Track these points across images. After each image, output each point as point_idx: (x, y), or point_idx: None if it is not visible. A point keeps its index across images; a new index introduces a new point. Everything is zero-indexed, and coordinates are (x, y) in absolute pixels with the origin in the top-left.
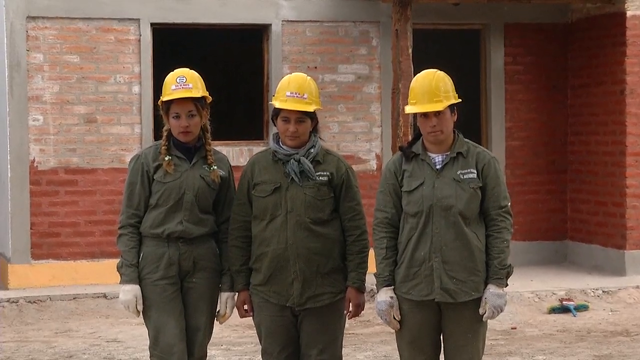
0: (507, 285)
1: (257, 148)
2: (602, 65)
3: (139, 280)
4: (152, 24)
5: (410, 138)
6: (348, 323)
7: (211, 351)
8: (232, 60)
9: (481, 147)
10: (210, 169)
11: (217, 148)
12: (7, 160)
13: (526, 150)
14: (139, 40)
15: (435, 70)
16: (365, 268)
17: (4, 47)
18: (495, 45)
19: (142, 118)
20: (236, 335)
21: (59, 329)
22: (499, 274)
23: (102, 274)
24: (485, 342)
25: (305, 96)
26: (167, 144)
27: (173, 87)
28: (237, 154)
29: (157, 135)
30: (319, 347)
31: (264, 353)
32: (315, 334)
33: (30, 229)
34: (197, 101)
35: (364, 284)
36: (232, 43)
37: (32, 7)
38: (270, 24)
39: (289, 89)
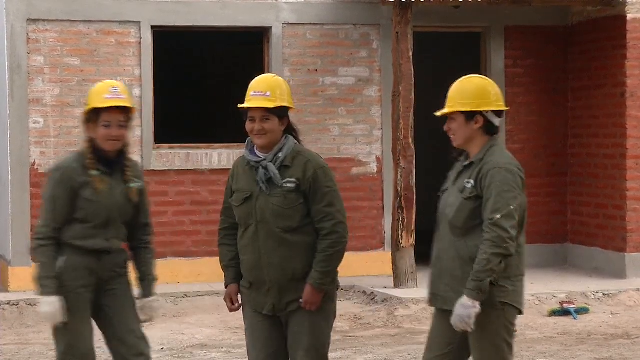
0: (479, 298)
1: None
2: (603, 68)
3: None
4: (152, 27)
5: (410, 141)
6: (348, 326)
7: (211, 354)
8: (233, 62)
9: (499, 156)
10: (129, 186)
11: (217, 151)
12: (8, 163)
13: (526, 153)
14: (140, 43)
15: (469, 76)
16: (327, 267)
17: (5, 50)
18: (496, 48)
19: (143, 121)
20: (236, 338)
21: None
22: (469, 285)
23: None
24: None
25: (267, 94)
26: (92, 156)
27: (107, 95)
28: (237, 156)
29: (157, 138)
30: (304, 349)
31: (247, 351)
32: (299, 335)
33: (31, 231)
34: (128, 112)
35: (322, 283)
36: (232, 46)
37: (33, 9)
38: (271, 27)
39: (253, 89)
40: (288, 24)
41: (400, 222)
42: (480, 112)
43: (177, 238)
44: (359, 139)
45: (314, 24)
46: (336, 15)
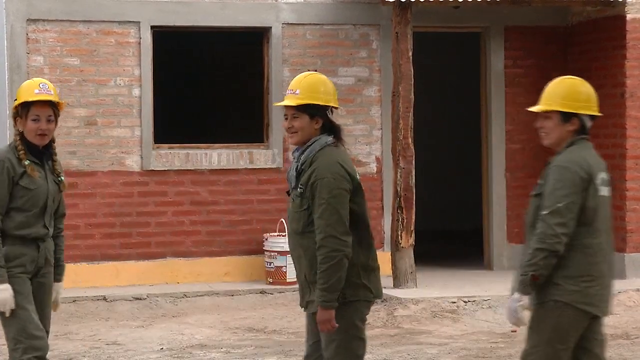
0: (524, 292)
1: (257, 151)
2: (602, 68)
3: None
4: (152, 27)
5: (410, 141)
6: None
7: (211, 354)
8: (232, 62)
9: (566, 154)
10: (59, 178)
11: (217, 152)
12: None
13: (526, 153)
14: (139, 43)
15: (567, 77)
16: (323, 284)
17: (5, 50)
18: (496, 48)
19: (142, 121)
20: (236, 338)
21: (59, 332)
22: (517, 279)
23: (102, 277)
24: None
25: (297, 92)
26: (23, 147)
27: (36, 91)
28: (236, 156)
29: (157, 138)
30: (323, 346)
31: None
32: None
33: None
34: (55, 108)
35: (325, 300)
36: (232, 46)
37: (33, 9)
38: (271, 27)
39: (289, 87)
40: (288, 24)
41: (400, 222)
42: (577, 115)
43: (176, 238)
44: (358, 139)
45: (314, 24)
46: (336, 15)
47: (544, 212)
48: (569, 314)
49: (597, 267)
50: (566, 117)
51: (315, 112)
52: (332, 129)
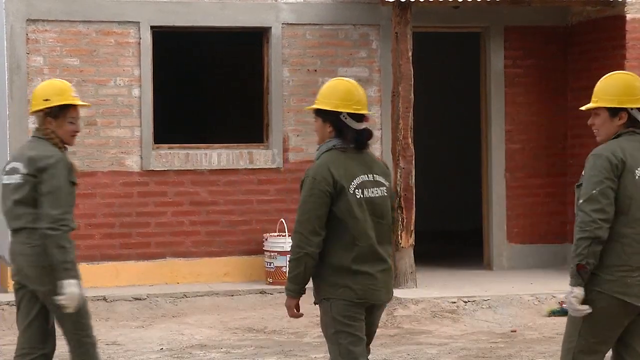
0: (575, 283)
1: (257, 151)
2: (602, 68)
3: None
4: (152, 27)
5: (409, 141)
6: None
7: (211, 354)
8: (232, 62)
9: (607, 144)
10: None
11: (216, 152)
12: None
13: (526, 153)
14: (139, 43)
15: (616, 72)
16: (288, 273)
17: (4, 50)
18: (495, 48)
19: (142, 121)
20: (236, 338)
21: (58, 332)
22: (570, 271)
23: (102, 277)
24: (578, 342)
25: (316, 96)
26: (63, 145)
27: (73, 94)
28: (236, 156)
29: (157, 138)
30: None
31: None
32: None
33: None
34: None
35: (286, 288)
36: (232, 46)
37: (33, 10)
38: (270, 27)
39: None
40: (287, 24)
41: (400, 222)
42: (624, 109)
43: (176, 238)
44: None
45: (314, 24)
46: (335, 16)
47: (580, 201)
48: (604, 304)
49: (631, 256)
50: (613, 112)
51: (325, 116)
52: (342, 133)
